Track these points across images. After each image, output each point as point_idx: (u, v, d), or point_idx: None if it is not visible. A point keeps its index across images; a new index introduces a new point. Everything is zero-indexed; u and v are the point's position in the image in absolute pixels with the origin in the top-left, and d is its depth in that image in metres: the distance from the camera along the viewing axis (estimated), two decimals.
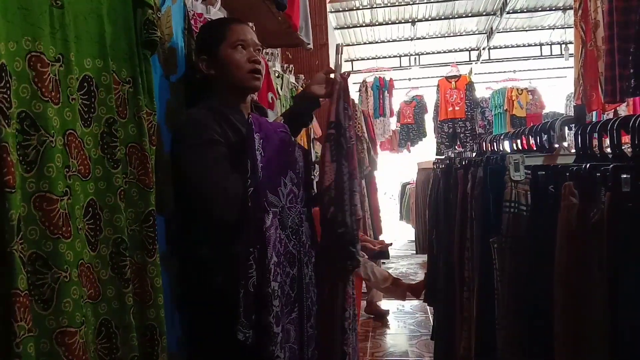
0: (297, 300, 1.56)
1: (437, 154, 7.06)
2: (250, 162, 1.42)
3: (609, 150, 1.27)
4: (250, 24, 2.15)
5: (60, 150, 1.00)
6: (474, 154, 2.68)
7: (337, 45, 1.76)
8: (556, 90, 9.43)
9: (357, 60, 9.47)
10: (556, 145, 1.51)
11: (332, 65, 1.78)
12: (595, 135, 1.26)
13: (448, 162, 2.68)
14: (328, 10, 5.18)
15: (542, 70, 10.01)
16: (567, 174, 1.09)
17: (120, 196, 1.16)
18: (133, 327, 1.15)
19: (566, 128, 1.58)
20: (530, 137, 1.69)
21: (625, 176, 0.88)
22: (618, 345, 0.92)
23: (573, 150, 1.45)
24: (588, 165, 1.01)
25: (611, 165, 0.91)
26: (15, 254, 0.87)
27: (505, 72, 9.45)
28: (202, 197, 1.44)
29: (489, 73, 10.01)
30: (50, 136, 0.97)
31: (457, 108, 7.07)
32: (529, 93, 7.38)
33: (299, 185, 1.57)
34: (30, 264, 0.95)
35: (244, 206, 1.41)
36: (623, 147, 1.12)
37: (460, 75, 7.14)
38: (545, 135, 1.59)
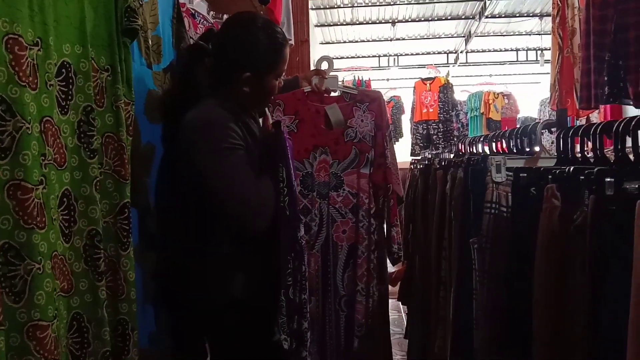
0: None
1: (411, 155, 7.14)
2: (286, 171, 1.43)
3: (584, 154, 1.29)
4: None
5: (37, 137, 0.96)
6: (452, 155, 2.70)
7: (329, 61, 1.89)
8: (530, 95, 9.59)
9: (337, 58, 9.47)
10: (537, 149, 1.52)
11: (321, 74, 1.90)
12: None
13: (427, 162, 2.70)
14: (309, 7, 5.16)
15: (517, 75, 10.17)
16: (550, 176, 1.10)
17: (96, 187, 1.13)
18: (105, 322, 1.12)
19: (539, 132, 1.60)
20: (510, 140, 1.70)
21: (609, 180, 0.89)
22: (598, 347, 0.93)
23: (553, 153, 1.47)
24: (572, 169, 1.02)
25: (596, 169, 0.92)
26: None
27: (481, 75, 9.57)
28: (234, 208, 1.39)
29: (466, 76, 10.13)
30: (27, 123, 0.93)
31: (430, 110, 7.17)
32: (505, 97, 7.51)
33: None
34: (2, 255, 0.91)
35: (281, 215, 1.42)
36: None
37: (435, 77, 7.22)
38: (526, 139, 1.61)
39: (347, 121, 1.86)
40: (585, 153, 1.42)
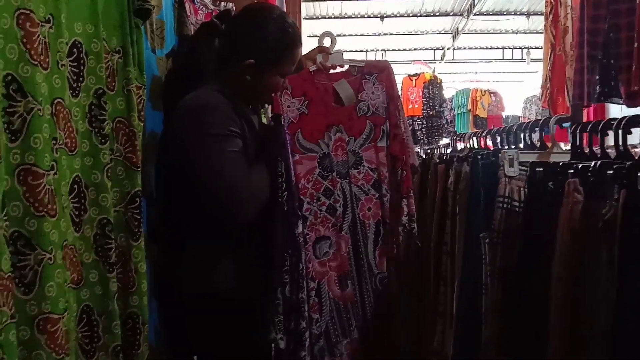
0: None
1: None
2: (285, 166, 1.41)
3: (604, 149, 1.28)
4: (231, 4, 2.08)
5: (48, 120, 0.91)
6: (449, 150, 2.70)
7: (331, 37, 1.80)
8: (514, 93, 9.67)
9: None
10: (549, 144, 1.52)
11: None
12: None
13: (424, 156, 2.69)
14: None
15: (503, 74, 10.25)
16: (572, 171, 1.08)
17: (107, 174, 1.08)
18: (116, 315, 1.07)
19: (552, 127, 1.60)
20: (517, 134, 1.70)
21: None
22: (622, 342, 0.92)
23: (565, 148, 1.46)
24: (598, 163, 1.00)
25: (628, 163, 0.91)
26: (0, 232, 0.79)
27: (467, 73, 9.63)
28: (225, 196, 1.32)
29: (452, 73, 10.18)
30: (39, 104, 0.88)
31: (415, 106, 7.19)
32: (492, 95, 7.55)
33: None
34: (12, 244, 0.86)
35: (279, 211, 1.39)
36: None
37: (420, 73, 7.24)
38: (532, 133, 1.60)
39: (357, 95, 1.81)
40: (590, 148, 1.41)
